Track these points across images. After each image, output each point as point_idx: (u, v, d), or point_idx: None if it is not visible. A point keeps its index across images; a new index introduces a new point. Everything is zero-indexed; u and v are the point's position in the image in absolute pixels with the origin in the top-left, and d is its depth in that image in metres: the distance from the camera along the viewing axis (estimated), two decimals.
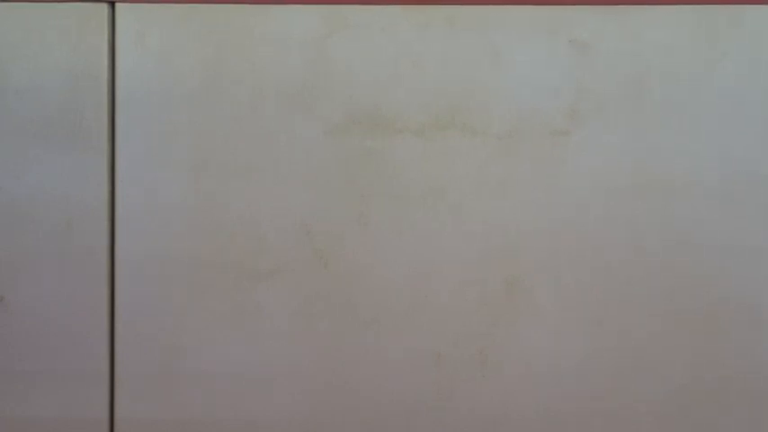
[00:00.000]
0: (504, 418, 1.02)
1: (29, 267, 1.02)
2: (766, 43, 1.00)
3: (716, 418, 1.02)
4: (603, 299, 1.01)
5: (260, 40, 1.00)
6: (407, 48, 1.00)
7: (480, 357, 1.02)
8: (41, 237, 1.01)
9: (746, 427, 1.02)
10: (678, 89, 1.00)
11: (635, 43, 0.99)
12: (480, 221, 1.01)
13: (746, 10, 0.99)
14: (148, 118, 1.00)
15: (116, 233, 1.01)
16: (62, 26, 1.00)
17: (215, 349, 1.02)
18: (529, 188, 1.01)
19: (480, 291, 1.01)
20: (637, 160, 1.00)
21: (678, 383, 1.02)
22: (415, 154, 1.01)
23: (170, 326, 1.02)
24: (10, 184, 1.01)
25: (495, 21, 1.00)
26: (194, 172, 1.01)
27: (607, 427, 1.02)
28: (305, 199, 1.01)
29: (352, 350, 1.02)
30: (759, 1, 0.99)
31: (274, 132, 1.01)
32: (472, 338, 1.02)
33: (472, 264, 1.01)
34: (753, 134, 1.00)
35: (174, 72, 1.00)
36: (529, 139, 1.00)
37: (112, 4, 1.00)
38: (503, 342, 1.02)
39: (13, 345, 1.03)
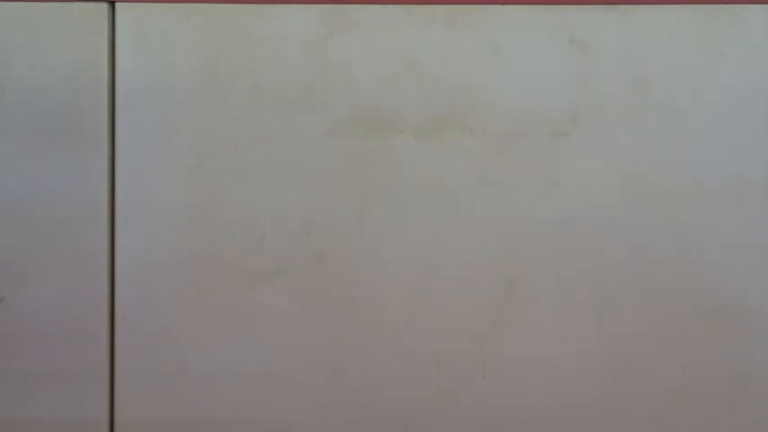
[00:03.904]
0: (503, 418, 1.02)
1: (29, 267, 1.02)
2: (766, 43, 1.00)
3: (716, 418, 1.02)
4: (603, 299, 1.01)
5: (260, 40, 1.00)
6: (408, 47, 1.00)
7: (480, 357, 1.02)
8: (41, 237, 1.01)
9: (746, 427, 1.02)
10: (678, 89, 1.00)
11: (635, 43, 0.99)
12: (480, 221, 1.01)
13: (746, 10, 0.99)
14: (148, 118, 1.00)
15: (116, 233, 1.01)
16: (62, 26, 1.00)
17: (215, 349, 1.02)
18: (529, 188, 1.01)
19: (480, 291, 1.01)
20: (637, 160, 1.00)
21: (678, 383, 1.02)
22: (415, 154, 1.01)
23: (170, 326, 1.02)
24: (10, 184, 1.01)
25: (495, 21, 1.00)
26: (194, 172, 1.01)
27: (607, 427, 1.02)
28: (305, 199, 1.01)
29: (352, 350, 1.02)
30: (759, 1, 0.99)
31: (274, 132, 1.01)
32: (472, 338, 1.02)
33: (472, 264, 1.01)
34: (753, 134, 1.00)
35: (174, 72, 1.00)
36: (529, 139, 1.00)
37: (112, 4, 1.00)
38: (503, 342, 1.02)
39: (13, 345, 1.03)
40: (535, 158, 1.00)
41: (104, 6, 1.00)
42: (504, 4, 0.99)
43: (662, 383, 1.02)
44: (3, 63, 1.01)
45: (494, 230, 1.01)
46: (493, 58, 1.00)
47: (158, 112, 1.01)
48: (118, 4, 1.00)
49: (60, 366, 1.03)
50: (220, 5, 1.00)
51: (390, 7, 1.00)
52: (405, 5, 0.99)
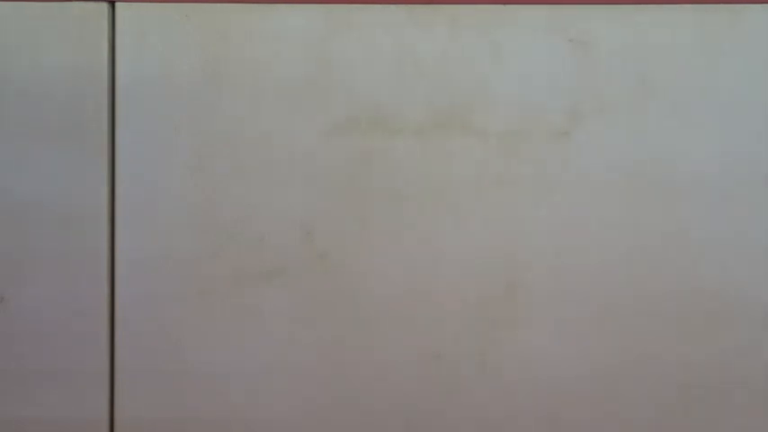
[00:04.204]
0: (503, 419, 1.02)
1: (29, 267, 1.02)
2: (766, 43, 1.00)
3: (716, 418, 1.02)
4: (603, 299, 1.01)
5: (260, 39, 1.00)
6: (409, 47, 1.00)
7: (480, 358, 1.02)
8: (41, 237, 1.01)
9: (746, 427, 1.02)
10: (678, 89, 1.00)
11: (635, 43, 0.99)
12: (480, 222, 1.01)
13: (746, 10, 0.99)
14: (148, 118, 1.00)
15: (116, 233, 1.01)
16: (62, 26, 1.00)
17: (215, 349, 1.02)
18: (529, 188, 1.01)
19: (480, 291, 1.01)
20: (637, 160, 1.00)
21: (678, 383, 1.02)
22: (415, 154, 1.01)
23: (170, 326, 1.02)
24: (10, 184, 1.01)
25: (496, 20, 1.00)
26: (194, 172, 1.01)
27: (607, 427, 1.02)
28: (305, 199, 1.01)
29: (352, 350, 1.02)
30: (759, 0, 0.99)
31: (274, 132, 1.01)
32: (472, 338, 1.02)
33: (472, 264, 1.01)
34: (753, 134, 1.00)
35: (174, 72, 1.00)
36: (529, 139, 1.00)
37: (112, 4, 1.00)
38: (502, 342, 1.02)
39: (13, 345, 1.03)
40: (535, 158, 1.00)
41: (104, 6, 1.00)
42: (504, 3, 0.99)
43: (662, 384, 1.02)
44: (3, 63, 1.01)
45: (494, 230, 1.01)
46: (493, 57, 1.00)
47: (158, 112, 1.01)
48: (118, 4, 1.00)
49: (60, 366, 1.03)
50: (220, 5, 1.00)
51: (392, 7, 1.00)
52: (406, 5, 0.99)
